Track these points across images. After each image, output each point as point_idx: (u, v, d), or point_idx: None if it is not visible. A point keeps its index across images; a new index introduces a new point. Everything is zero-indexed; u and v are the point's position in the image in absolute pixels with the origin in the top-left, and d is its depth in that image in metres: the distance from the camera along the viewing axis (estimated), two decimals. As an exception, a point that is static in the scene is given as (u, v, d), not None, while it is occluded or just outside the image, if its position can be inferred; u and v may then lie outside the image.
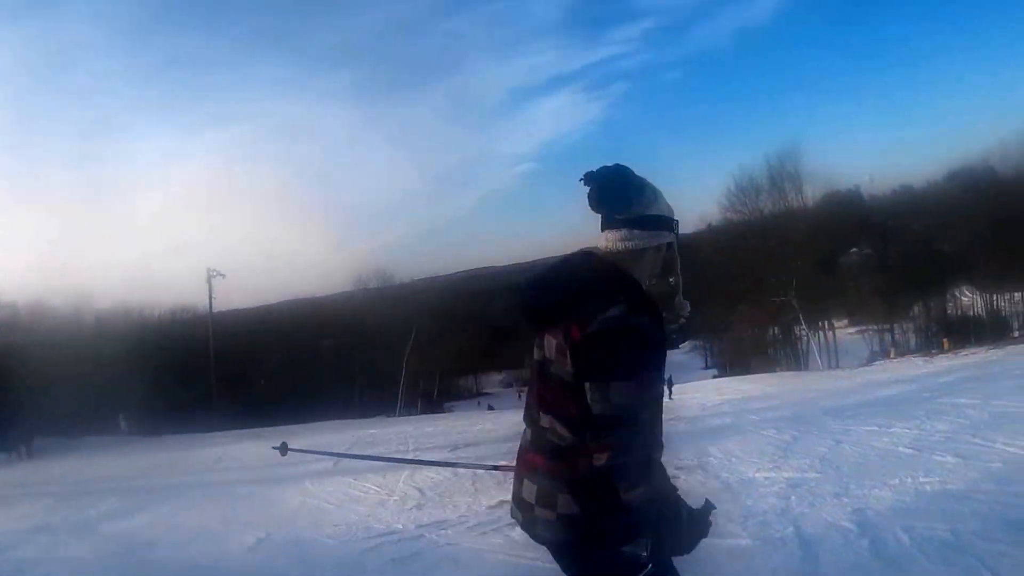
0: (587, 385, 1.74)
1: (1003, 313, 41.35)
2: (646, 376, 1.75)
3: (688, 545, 1.78)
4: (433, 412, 31.97)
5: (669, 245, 1.96)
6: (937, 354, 28.90)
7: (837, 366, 34.31)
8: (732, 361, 50.76)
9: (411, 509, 6.46)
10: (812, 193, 46.04)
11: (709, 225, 52.65)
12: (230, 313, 40.34)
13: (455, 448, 11.01)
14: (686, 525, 1.75)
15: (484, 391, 66.32)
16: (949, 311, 45.16)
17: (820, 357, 40.95)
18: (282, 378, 29.81)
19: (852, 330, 51.34)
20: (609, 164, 1.90)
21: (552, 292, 1.90)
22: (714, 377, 42.62)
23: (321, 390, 33.97)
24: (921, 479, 5.07)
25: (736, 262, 44.09)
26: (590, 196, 1.91)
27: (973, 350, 26.09)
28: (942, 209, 46.41)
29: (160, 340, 32.17)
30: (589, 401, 1.73)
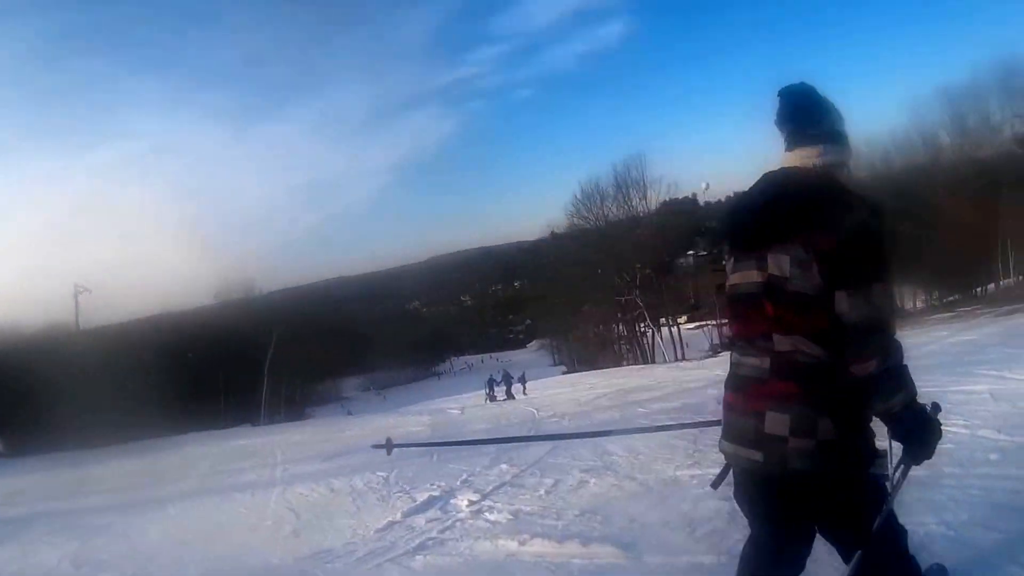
0: (843, 292, 1.69)
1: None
2: (893, 278, 1.75)
3: (933, 449, 1.77)
4: (294, 419, 31.93)
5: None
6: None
7: (684, 358, 35.71)
8: (580, 358, 52.81)
9: (287, 536, 5.55)
10: (655, 199, 47.86)
11: (553, 233, 55.37)
12: (99, 329, 38.81)
13: (329, 458, 9.98)
14: (931, 428, 1.76)
15: (344, 395, 66.62)
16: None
17: (666, 351, 42.74)
18: (149, 392, 28.29)
19: (691, 325, 54.46)
20: (795, 82, 1.92)
21: (778, 207, 1.82)
22: (564, 373, 43.45)
23: (186, 402, 32.63)
24: (869, 466, 4.66)
25: (582, 265, 46.09)
26: (782, 112, 1.91)
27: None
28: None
29: (30, 359, 30.59)
30: (847, 308, 1.68)
